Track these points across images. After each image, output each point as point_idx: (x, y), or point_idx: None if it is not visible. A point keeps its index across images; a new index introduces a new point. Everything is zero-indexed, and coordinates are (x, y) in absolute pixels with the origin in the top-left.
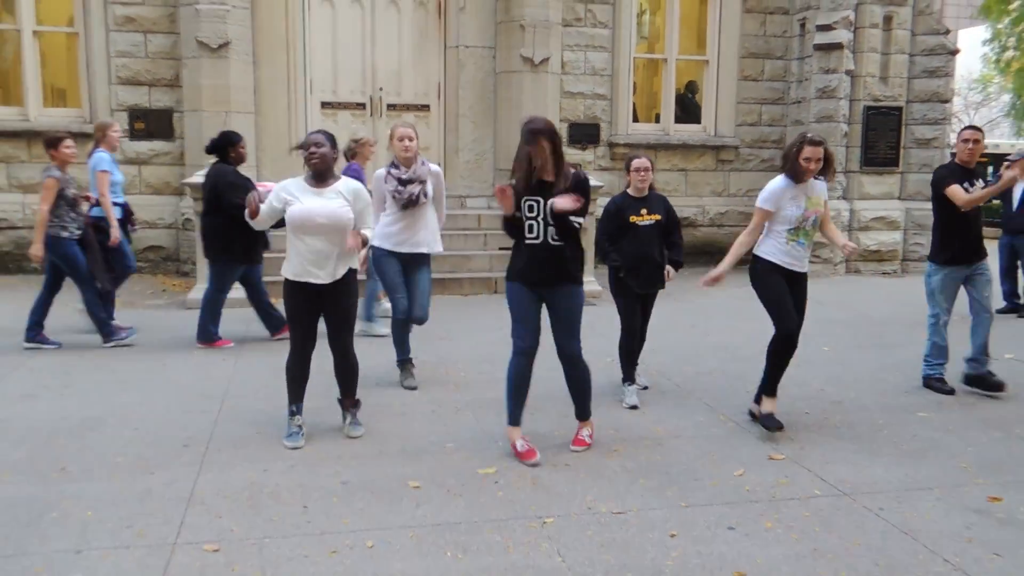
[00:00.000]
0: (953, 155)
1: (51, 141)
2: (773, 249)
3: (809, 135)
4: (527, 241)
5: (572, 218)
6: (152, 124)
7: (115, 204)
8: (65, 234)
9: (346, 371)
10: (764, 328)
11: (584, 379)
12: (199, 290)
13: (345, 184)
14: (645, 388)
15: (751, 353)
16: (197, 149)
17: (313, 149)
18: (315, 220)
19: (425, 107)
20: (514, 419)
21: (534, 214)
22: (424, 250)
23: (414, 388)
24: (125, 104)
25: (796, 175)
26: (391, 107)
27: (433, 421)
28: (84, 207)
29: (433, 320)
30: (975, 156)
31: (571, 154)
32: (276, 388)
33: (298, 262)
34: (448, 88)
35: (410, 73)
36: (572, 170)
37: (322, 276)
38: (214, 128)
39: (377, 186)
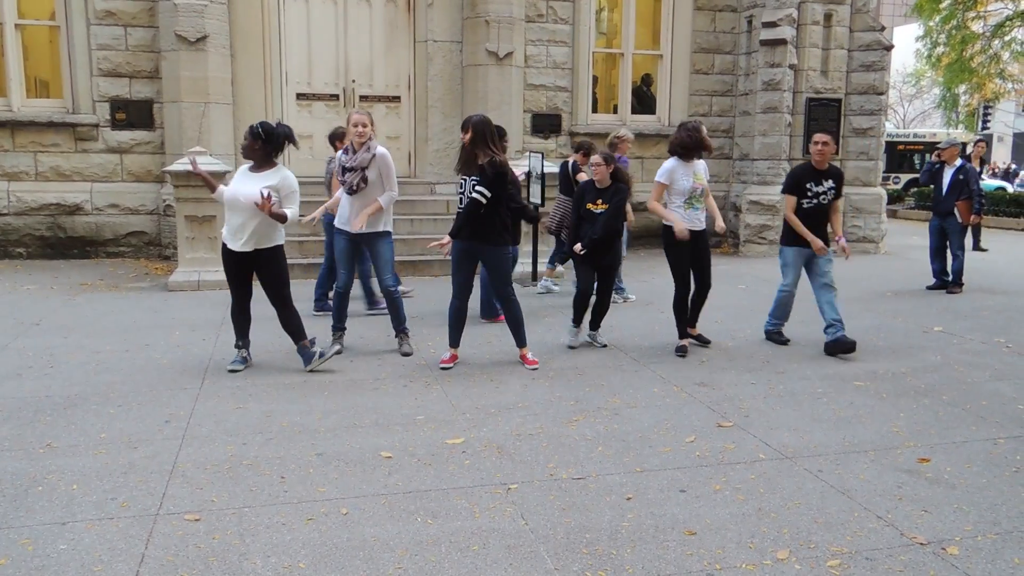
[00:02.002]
0: None
1: (338, 135)
2: (678, 217)
3: (695, 122)
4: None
5: (475, 195)
6: (133, 114)
7: None
8: None
9: (288, 320)
10: (713, 308)
11: (516, 314)
12: (180, 273)
13: (278, 172)
14: (604, 346)
15: (701, 330)
16: (177, 138)
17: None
18: (237, 200)
19: (396, 98)
20: (452, 343)
21: (462, 191)
22: (367, 231)
23: (339, 353)
24: (107, 95)
25: (704, 152)
26: (363, 98)
27: (404, 395)
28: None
29: (404, 301)
30: (825, 157)
31: (534, 143)
32: (255, 367)
33: (226, 231)
34: (418, 80)
35: (381, 66)
36: (488, 160)
37: (237, 245)
38: (193, 118)
39: (331, 168)
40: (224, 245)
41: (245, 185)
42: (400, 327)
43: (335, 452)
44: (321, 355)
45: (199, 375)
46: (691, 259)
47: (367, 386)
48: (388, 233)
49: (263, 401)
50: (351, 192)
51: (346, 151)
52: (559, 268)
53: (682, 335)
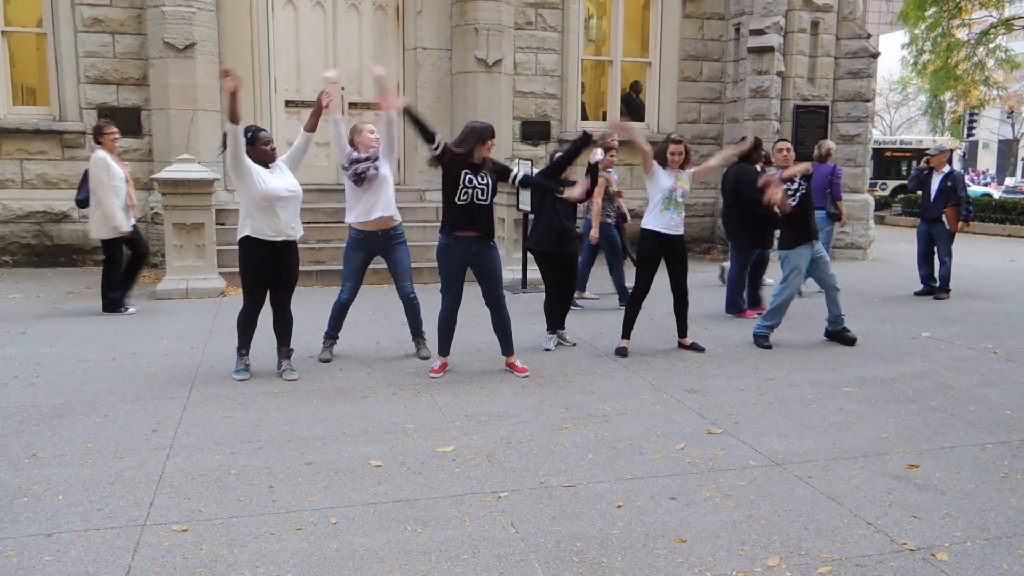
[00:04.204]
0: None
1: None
2: (654, 220)
3: (673, 135)
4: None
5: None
6: (121, 122)
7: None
8: (609, 220)
9: (287, 323)
10: (702, 315)
11: (506, 322)
12: (168, 281)
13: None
14: (574, 344)
15: (692, 336)
16: (165, 146)
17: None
18: (280, 194)
19: None
20: (441, 351)
21: (471, 182)
22: (388, 214)
23: (328, 360)
24: (94, 102)
25: (665, 164)
26: (353, 105)
27: (394, 403)
28: (620, 200)
29: (395, 307)
30: (786, 161)
31: (523, 150)
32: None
33: (268, 228)
34: (407, 87)
35: (371, 73)
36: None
37: (285, 236)
38: (181, 125)
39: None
40: (254, 243)
41: (280, 179)
42: (418, 331)
43: (324, 461)
44: (288, 370)
45: (187, 384)
46: (668, 263)
47: (356, 394)
48: (405, 240)
49: (251, 410)
50: (360, 182)
51: (356, 151)
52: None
53: (625, 335)
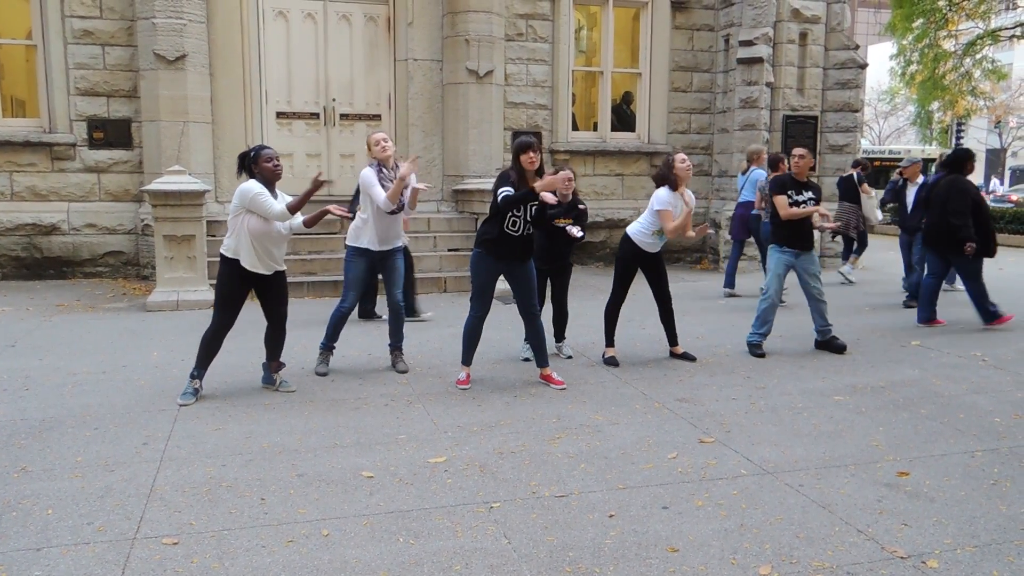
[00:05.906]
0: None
1: (773, 162)
2: (640, 236)
3: (678, 152)
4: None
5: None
6: (111, 134)
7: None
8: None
9: (281, 337)
10: (693, 324)
11: (540, 334)
12: (159, 293)
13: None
14: (569, 357)
15: (683, 346)
16: (155, 157)
17: (277, 162)
18: (282, 232)
19: (376, 117)
20: (465, 360)
21: (521, 213)
22: (399, 244)
23: (325, 374)
24: (84, 114)
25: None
26: (344, 117)
27: (386, 414)
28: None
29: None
30: (804, 170)
31: None
32: (233, 387)
33: (253, 259)
34: (398, 99)
35: (362, 84)
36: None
37: (266, 269)
38: (172, 137)
39: (370, 180)
40: (243, 269)
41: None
42: (398, 342)
43: (316, 472)
44: (284, 382)
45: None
46: (648, 276)
47: (348, 405)
48: (403, 247)
49: (243, 422)
50: (396, 211)
51: (380, 168)
52: (856, 262)
53: (609, 343)
